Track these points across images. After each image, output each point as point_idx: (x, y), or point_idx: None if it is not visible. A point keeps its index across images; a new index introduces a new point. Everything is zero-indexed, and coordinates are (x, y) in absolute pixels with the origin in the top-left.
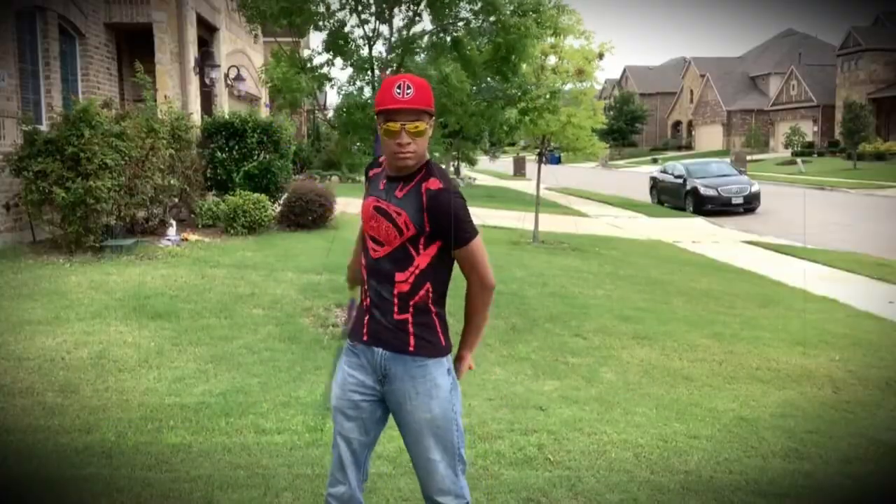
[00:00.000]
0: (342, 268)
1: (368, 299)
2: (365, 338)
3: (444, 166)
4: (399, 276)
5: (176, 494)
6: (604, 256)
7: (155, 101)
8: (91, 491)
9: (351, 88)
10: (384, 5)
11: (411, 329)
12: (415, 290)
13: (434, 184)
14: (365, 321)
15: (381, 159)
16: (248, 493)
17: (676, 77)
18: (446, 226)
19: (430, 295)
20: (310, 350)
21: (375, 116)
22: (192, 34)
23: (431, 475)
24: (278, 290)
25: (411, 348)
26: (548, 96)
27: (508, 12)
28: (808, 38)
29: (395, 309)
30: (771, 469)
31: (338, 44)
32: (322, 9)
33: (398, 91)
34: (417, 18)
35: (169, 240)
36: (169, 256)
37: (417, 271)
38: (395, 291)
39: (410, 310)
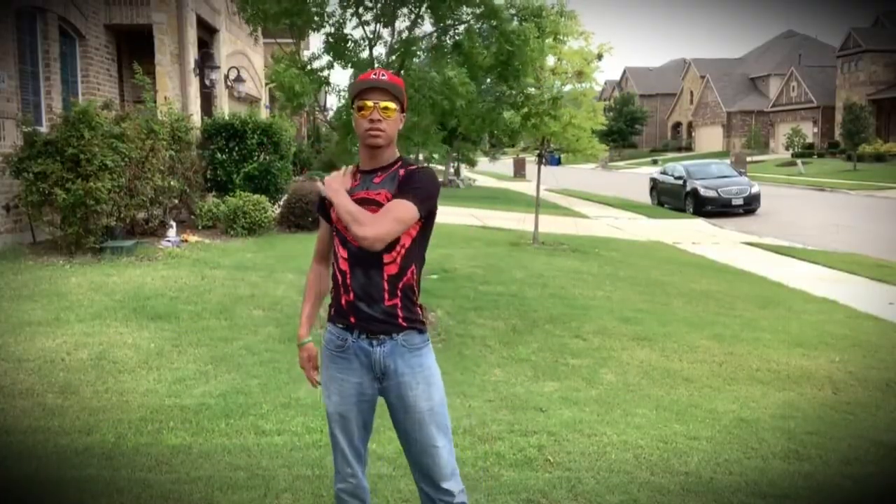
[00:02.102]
0: None
1: (352, 294)
2: (353, 323)
3: (443, 167)
4: (387, 258)
5: (176, 496)
6: (604, 258)
7: (155, 102)
8: (91, 492)
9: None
10: (385, 8)
11: (400, 313)
12: (402, 271)
13: (411, 167)
14: (350, 315)
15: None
16: (248, 495)
17: (676, 78)
18: (413, 186)
19: (414, 276)
20: None
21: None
22: (192, 36)
23: (437, 462)
24: (278, 291)
25: (402, 326)
26: (550, 101)
27: (508, 17)
28: (808, 39)
29: (386, 295)
30: (771, 470)
31: (337, 46)
32: (322, 10)
33: (373, 76)
34: (419, 21)
35: (169, 241)
36: (169, 258)
37: (403, 251)
38: (385, 275)
39: (399, 294)
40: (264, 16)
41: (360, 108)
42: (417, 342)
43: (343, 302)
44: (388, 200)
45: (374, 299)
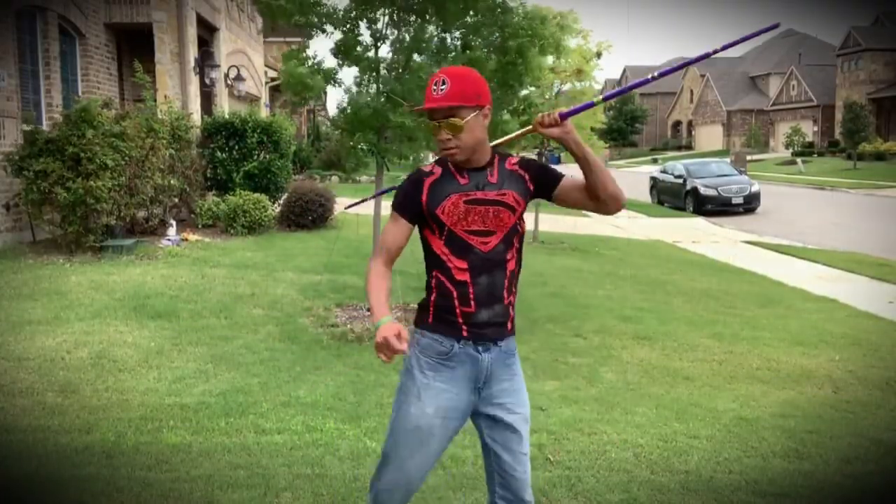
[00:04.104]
0: (343, 268)
1: (473, 304)
2: (465, 334)
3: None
4: (509, 255)
5: (176, 494)
6: (604, 256)
7: (155, 101)
8: (91, 491)
9: (357, 88)
10: (397, 11)
11: (511, 312)
12: (517, 266)
13: (514, 158)
14: (462, 325)
15: (426, 167)
16: (247, 493)
17: (676, 77)
18: (542, 172)
19: (518, 265)
20: (310, 350)
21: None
22: (192, 34)
23: (526, 471)
24: (278, 290)
25: (509, 329)
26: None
27: (517, 19)
28: (808, 38)
29: (505, 293)
30: (771, 469)
31: (349, 48)
32: (338, 14)
33: (434, 89)
34: (426, 24)
35: (169, 240)
36: (169, 256)
37: (517, 244)
38: (508, 273)
39: (513, 290)
40: (276, 11)
41: (431, 128)
42: (512, 348)
43: (458, 313)
44: (517, 202)
45: (495, 300)
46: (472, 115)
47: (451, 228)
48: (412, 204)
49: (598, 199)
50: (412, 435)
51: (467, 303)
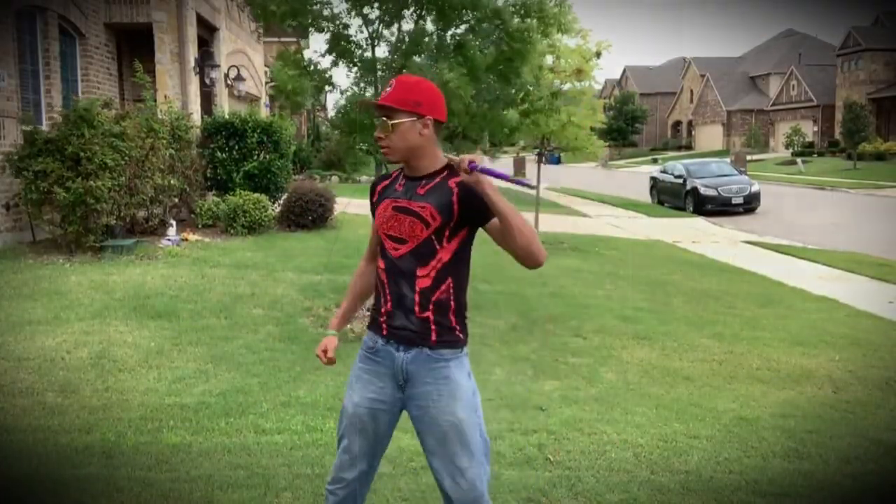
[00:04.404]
0: (343, 268)
1: (389, 303)
2: (384, 332)
3: None
4: (420, 272)
5: (176, 494)
6: (604, 256)
7: (155, 100)
8: (91, 491)
9: (354, 89)
10: (389, 10)
11: (433, 327)
12: (436, 285)
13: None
14: (383, 323)
15: (393, 172)
16: (247, 493)
17: (676, 77)
18: (471, 197)
19: (452, 291)
20: (310, 350)
21: None
22: (192, 34)
23: (459, 484)
24: (278, 290)
25: (433, 341)
26: (550, 97)
27: (511, 16)
28: (808, 38)
29: (417, 308)
30: (771, 469)
31: (340, 45)
32: (327, 12)
33: (384, 89)
34: (421, 22)
35: (169, 240)
36: (169, 256)
37: (440, 265)
38: (417, 288)
39: (431, 307)
40: (269, 15)
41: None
42: (446, 354)
43: (382, 310)
44: (432, 217)
45: (407, 310)
46: (404, 119)
47: (378, 228)
48: (371, 205)
49: (508, 249)
50: (348, 421)
51: (385, 303)
